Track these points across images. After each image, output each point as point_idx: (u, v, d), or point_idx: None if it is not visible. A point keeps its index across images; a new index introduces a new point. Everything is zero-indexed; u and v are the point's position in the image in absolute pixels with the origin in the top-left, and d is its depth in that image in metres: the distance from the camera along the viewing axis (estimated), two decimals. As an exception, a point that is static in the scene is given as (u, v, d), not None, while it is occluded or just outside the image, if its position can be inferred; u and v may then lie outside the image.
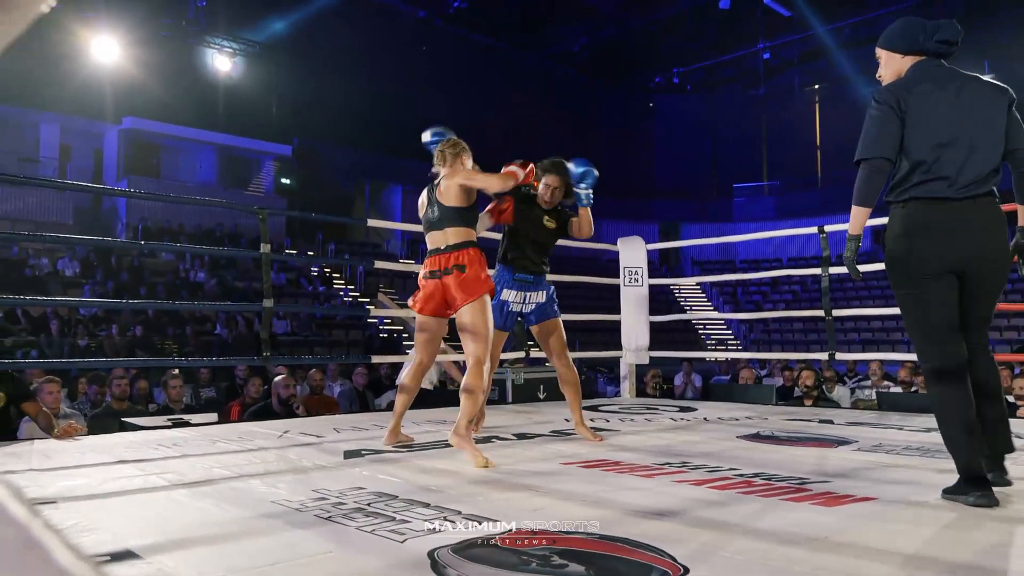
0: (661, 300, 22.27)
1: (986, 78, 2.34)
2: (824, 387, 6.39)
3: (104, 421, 4.83)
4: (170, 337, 12.85)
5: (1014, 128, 2.27)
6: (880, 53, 2.45)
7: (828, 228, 4.99)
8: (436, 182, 3.25)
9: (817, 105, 26.36)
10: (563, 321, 3.67)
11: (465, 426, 2.98)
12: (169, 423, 4.28)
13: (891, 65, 2.40)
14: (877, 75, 2.48)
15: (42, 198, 17.59)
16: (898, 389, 6.51)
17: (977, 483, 2.12)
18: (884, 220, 7.18)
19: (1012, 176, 2.31)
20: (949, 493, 2.19)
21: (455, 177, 3.17)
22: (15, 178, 4.79)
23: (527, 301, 3.61)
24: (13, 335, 11.30)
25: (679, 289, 24.05)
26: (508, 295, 3.58)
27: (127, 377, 5.79)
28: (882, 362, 7.20)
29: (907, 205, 2.25)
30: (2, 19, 0.47)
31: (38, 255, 15.17)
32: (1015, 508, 2.12)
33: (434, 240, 3.23)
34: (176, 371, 5.97)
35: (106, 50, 17.97)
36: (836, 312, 4.92)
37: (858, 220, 2.32)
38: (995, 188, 2.28)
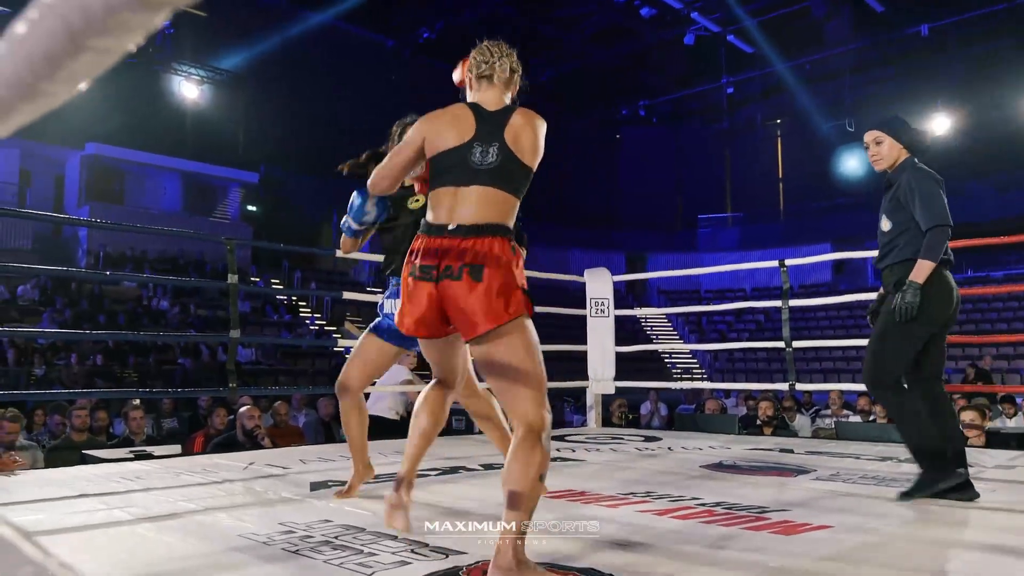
0: (628, 330, 22.38)
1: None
2: (784, 416, 6.50)
3: (64, 453, 4.74)
4: (131, 367, 12.62)
5: None
6: (883, 138, 2.86)
7: (788, 261, 5.13)
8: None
9: (779, 139, 26.99)
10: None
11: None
12: (131, 455, 4.21)
13: (893, 153, 2.87)
14: (872, 155, 2.87)
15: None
16: (857, 418, 6.65)
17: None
18: (846, 255, 7.30)
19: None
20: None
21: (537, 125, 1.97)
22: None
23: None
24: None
25: (645, 319, 24.26)
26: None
27: (87, 408, 5.68)
28: (841, 392, 7.35)
29: (942, 266, 2.75)
30: (103, 45, 0.47)
31: (-5, 282, 14.87)
32: (969, 533, 2.20)
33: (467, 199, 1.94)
34: (137, 402, 5.87)
35: (69, 75, 17.75)
36: (796, 343, 5.04)
37: (926, 273, 2.69)
38: None
